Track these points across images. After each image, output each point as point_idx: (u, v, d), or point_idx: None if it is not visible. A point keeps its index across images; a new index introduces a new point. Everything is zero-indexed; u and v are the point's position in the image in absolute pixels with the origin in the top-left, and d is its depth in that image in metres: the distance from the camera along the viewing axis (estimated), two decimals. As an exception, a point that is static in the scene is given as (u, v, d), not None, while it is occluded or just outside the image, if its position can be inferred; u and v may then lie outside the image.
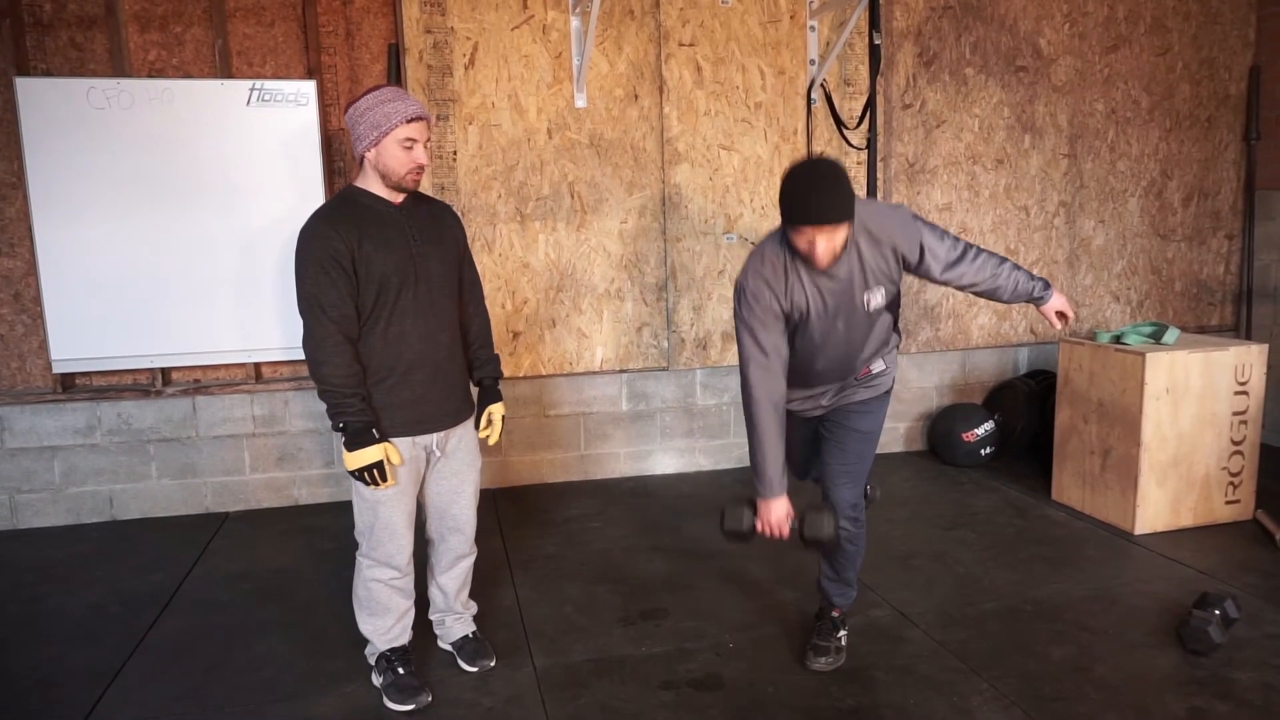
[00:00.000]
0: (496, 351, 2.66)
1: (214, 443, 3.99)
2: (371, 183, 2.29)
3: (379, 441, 2.24)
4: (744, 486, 4.16)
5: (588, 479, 4.39)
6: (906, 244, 2.31)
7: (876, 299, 2.33)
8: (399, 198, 2.32)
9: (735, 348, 4.38)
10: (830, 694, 2.46)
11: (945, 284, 2.42)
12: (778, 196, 2.19)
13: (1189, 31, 4.75)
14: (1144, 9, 4.68)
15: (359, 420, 2.21)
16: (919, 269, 2.36)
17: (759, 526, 2.40)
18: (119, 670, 2.66)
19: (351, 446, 2.21)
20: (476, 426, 2.59)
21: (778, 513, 2.37)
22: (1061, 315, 2.52)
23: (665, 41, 4.12)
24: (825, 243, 2.14)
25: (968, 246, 2.40)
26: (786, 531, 2.39)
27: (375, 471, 2.23)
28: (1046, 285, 2.48)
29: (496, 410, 2.59)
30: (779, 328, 2.29)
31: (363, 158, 2.27)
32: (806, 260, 2.21)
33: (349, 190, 2.32)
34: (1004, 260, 2.43)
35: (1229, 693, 2.41)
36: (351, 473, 2.24)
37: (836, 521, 2.36)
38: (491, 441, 2.61)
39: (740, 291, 2.30)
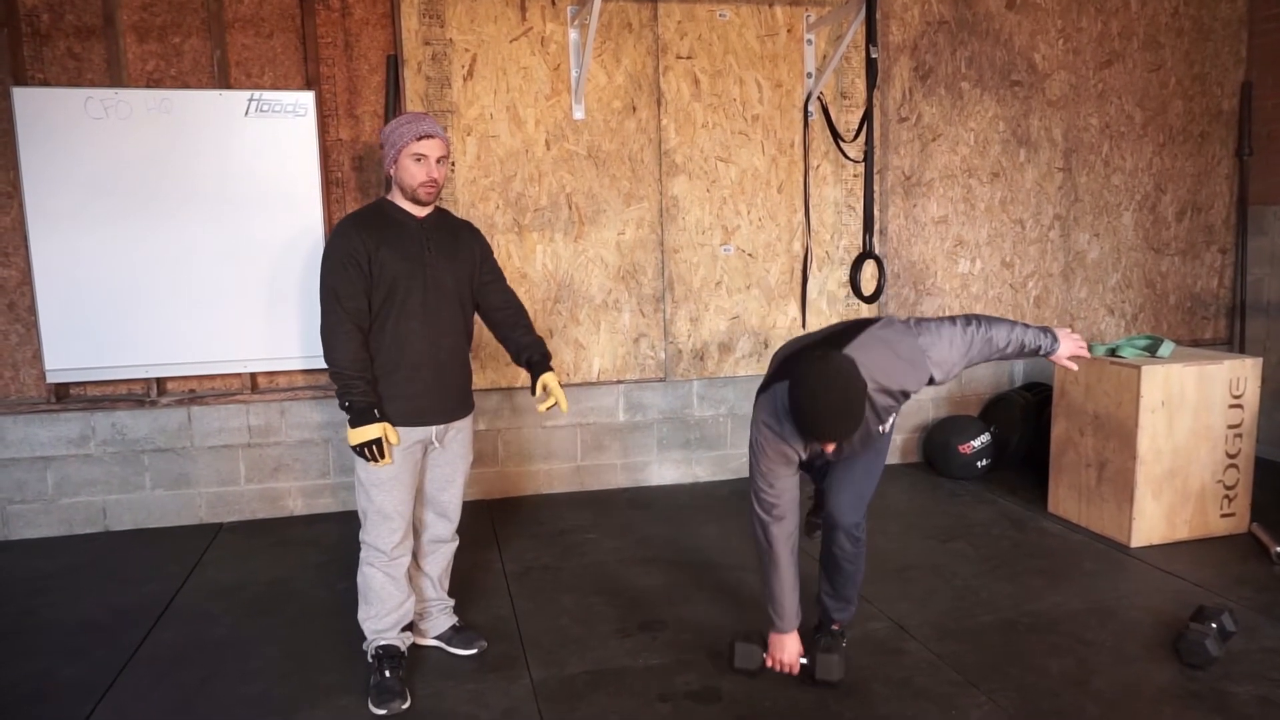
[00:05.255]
0: (538, 337, 2.78)
1: (209, 453, 3.98)
2: (397, 196, 2.55)
3: (379, 421, 2.44)
4: (740, 499, 4.16)
5: (584, 490, 4.38)
6: (915, 384, 2.36)
7: (888, 425, 2.45)
8: (422, 211, 2.54)
9: (731, 359, 4.40)
10: (828, 707, 2.45)
11: None
12: (790, 405, 2.17)
13: (1181, 48, 4.79)
14: (1137, 25, 4.72)
15: (363, 401, 2.43)
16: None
17: (769, 662, 2.52)
18: (111, 684, 2.64)
19: (355, 424, 2.42)
20: (533, 392, 2.70)
21: (791, 651, 2.50)
22: (1074, 356, 2.49)
23: (663, 54, 4.14)
24: (838, 446, 2.26)
25: (968, 329, 2.36)
26: (798, 670, 2.52)
27: (375, 448, 2.43)
28: (1055, 339, 2.43)
29: (550, 379, 2.70)
30: (792, 469, 2.40)
31: (389, 174, 2.52)
32: None
33: (379, 202, 2.59)
34: (1002, 321, 2.39)
35: (1225, 706, 2.41)
36: (354, 448, 2.43)
37: (846, 663, 2.50)
38: (564, 408, 2.70)
39: (756, 434, 2.39)
